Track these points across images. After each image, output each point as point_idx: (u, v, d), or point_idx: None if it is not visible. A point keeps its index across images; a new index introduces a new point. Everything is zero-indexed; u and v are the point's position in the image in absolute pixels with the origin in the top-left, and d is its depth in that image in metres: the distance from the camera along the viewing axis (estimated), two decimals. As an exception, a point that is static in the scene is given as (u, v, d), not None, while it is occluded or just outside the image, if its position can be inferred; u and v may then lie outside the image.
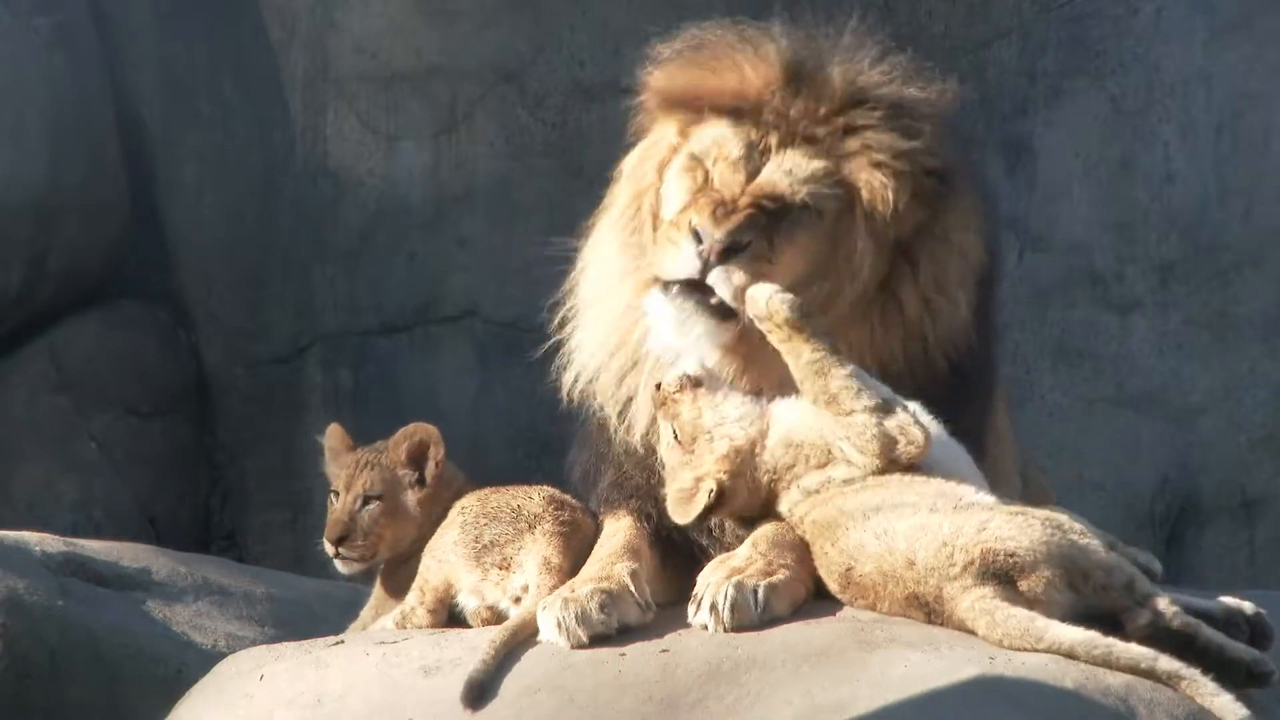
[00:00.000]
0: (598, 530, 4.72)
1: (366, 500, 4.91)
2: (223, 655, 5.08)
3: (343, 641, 4.59)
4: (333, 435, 5.06)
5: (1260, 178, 9.22)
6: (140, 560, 6.35)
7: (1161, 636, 4.08)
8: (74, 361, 10.08)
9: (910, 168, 4.46)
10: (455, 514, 4.76)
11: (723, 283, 4.43)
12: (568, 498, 4.78)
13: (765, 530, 4.46)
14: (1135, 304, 9.36)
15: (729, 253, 4.43)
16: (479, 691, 4.21)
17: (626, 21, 9.95)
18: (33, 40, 9.85)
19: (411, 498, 4.91)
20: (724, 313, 4.47)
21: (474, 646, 4.33)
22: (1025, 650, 4.07)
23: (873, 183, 4.46)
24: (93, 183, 10.06)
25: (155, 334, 10.34)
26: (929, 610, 4.19)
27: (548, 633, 4.30)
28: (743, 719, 4.06)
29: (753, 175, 4.48)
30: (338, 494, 4.97)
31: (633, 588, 4.39)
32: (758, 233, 4.43)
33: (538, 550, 4.56)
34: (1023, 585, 4.10)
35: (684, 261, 4.46)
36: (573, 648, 4.29)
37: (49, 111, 9.85)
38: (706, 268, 4.44)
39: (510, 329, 10.06)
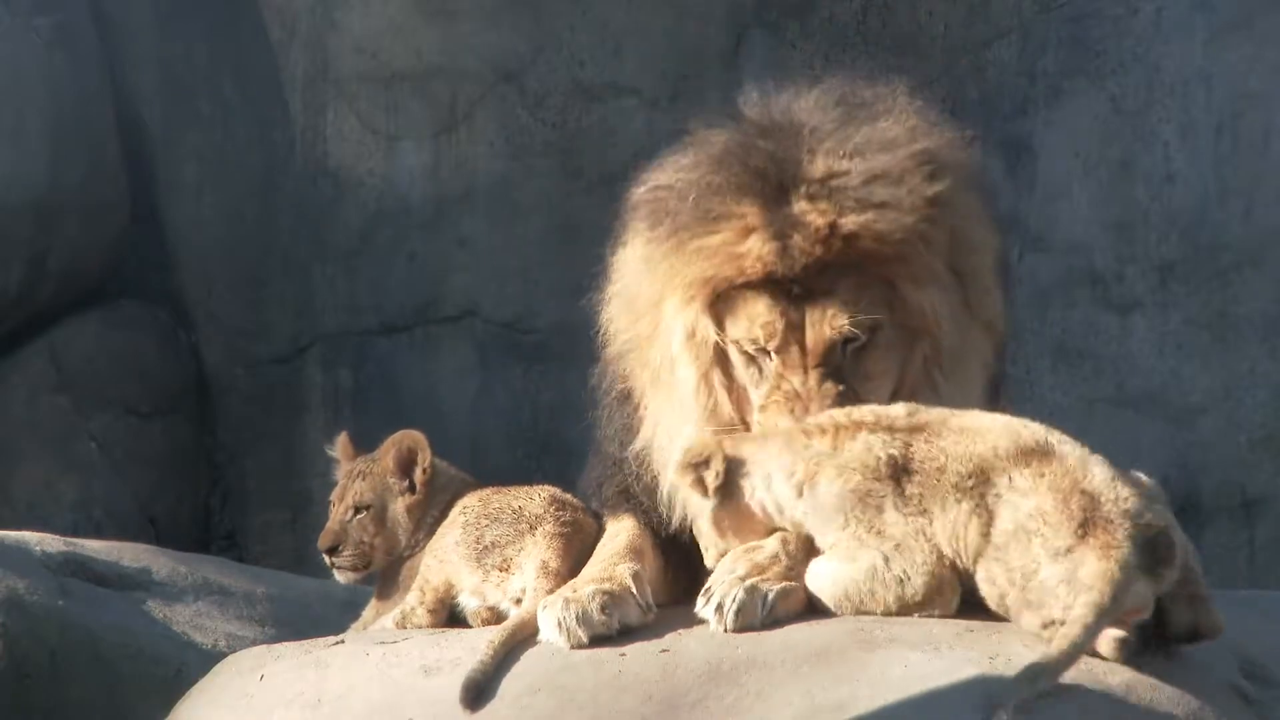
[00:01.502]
0: (600, 531, 4.72)
1: (358, 510, 4.93)
2: (223, 655, 5.08)
3: (343, 641, 4.59)
4: (340, 446, 5.08)
5: (1260, 178, 9.22)
6: (140, 560, 6.36)
7: None
8: (74, 361, 10.08)
9: (917, 219, 4.49)
10: (457, 514, 4.77)
11: None
12: (570, 498, 4.78)
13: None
14: (1135, 304, 9.36)
15: None
16: (476, 691, 4.21)
17: (626, 21, 9.96)
18: (33, 40, 9.86)
19: (401, 505, 4.92)
20: None
21: (474, 647, 4.33)
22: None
23: (901, 260, 4.52)
24: (93, 183, 10.07)
25: (155, 334, 10.34)
26: None
27: (548, 632, 4.31)
28: (743, 719, 4.06)
29: (800, 342, 4.53)
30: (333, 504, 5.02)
31: (634, 589, 4.40)
32: (836, 397, 4.50)
33: (537, 553, 4.56)
34: None
35: None
36: (572, 648, 4.29)
37: (49, 111, 9.86)
38: None
39: (510, 329, 10.06)
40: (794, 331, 4.54)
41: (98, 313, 10.21)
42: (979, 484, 4.24)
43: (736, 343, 4.60)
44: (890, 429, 4.35)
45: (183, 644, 5.99)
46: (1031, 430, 4.35)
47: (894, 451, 4.31)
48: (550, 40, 10.00)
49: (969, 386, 4.59)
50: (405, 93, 10.14)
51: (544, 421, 9.91)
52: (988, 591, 4.21)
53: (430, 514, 4.89)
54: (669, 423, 4.69)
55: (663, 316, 4.66)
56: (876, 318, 4.52)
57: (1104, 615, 4.06)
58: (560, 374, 9.51)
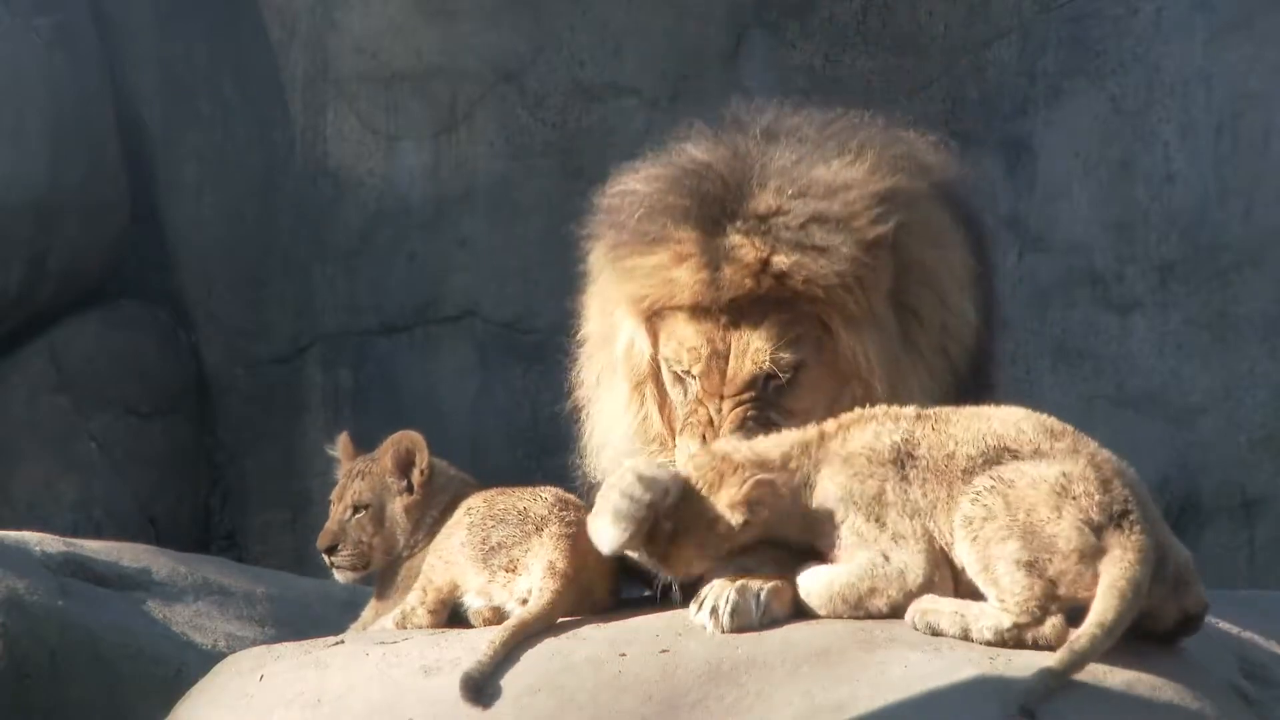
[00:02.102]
0: None
1: (356, 510, 4.93)
2: (223, 655, 5.08)
3: (343, 641, 4.59)
4: (341, 445, 5.09)
5: (1260, 178, 9.22)
6: (140, 560, 6.36)
7: None
8: (74, 361, 10.08)
9: (855, 265, 4.52)
10: (462, 515, 4.77)
11: None
12: (574, 499, 4.79)
13: None
14: (1135, 304, 9.36)
15: None
16: (474, 687, 4.21)
17: (626, 21, 9.96)
18: (33, 40, 9.86)
19: (399, 505, 4.92)
20: None
21: (474, 647, 4.34)
22: None
23: (833, 302, 4.56)
24: (93, 183, 10.07)
25: (155, 334, 10.34)
26: None
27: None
28: (743, 719, 4.06)
29: (723, 370, 4.58)
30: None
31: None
32: (745, 429, 4.53)
33: (544, 554, 4.56)
34: None
35: None
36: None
37: (49, 111, 9.86)
38: None
39: (510, 329, 10.06)
40: (718, 359, 4.60)
41: (98, 313, 10.21)
42: (991, 462, 4.24)
43: (666, 361, 4.67)
44: (896, 418, 4.36)
45: (183, 644, 5.98)
46: (1055, 420, 4.35)
47: (898, 438, 4.32)
48: (550, 40, 10.00)
49: None
50: (405, 93, 10.14)
51: (544, 421, 9.90)
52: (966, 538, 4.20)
53: (429, 515, 4.89)
54: (603, 427, 4.80)
55: (615, 322, 4.72)
56: (800, 357, 4.56)
57: (1126, 618, 4.06)
58: (560, 374, 9.50)
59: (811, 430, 4.42)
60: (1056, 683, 3.98)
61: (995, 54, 9.60)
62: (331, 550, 4.94)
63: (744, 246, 4.54)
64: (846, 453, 4.34)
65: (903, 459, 4.31)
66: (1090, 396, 9.30)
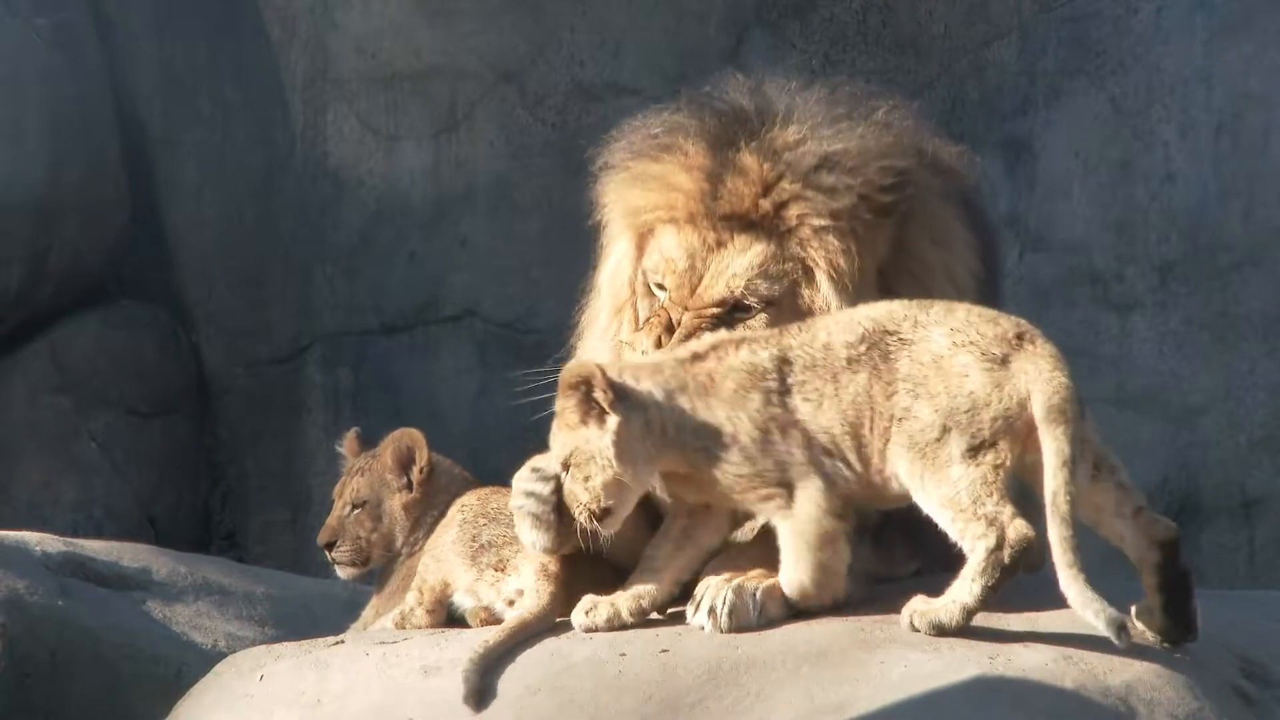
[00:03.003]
0: None
1: (355, 505, 4.95)
2: (223, 655, 5.08)
3: (343, 641, 4.59)
4: (348, 443, 5.11)
5: (1260, 178, 9.22)
6: (140, 560, 6.35)
7: None
8: (74, 361, 10.08)
9: (854, 219, 4.51)
10: (455, 513, 4.78)
11: None
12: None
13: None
14: (1135, 304, 9.36)
15: None
16: (471, 689, 4.22)
17: (626, 21, 9.96)
18: (33, 40, 9.86)
19: (397, 502, 4.94)
20: None
21: (473, 647, 4.34)
22: None
23: (824, 248, 4.52)
24: (93, 183, 10.07)
25: (155, 334, 10.34)
26: None
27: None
28: (743, 719, 4.06)
29: (695, 286, 4.55)
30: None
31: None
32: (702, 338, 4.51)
33: (536, 556, 4.56)
34: None
35: None
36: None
37: (49, 111, 9.86)
38: None
39: (510, 329, 10.06)
40: (693, 275, 4.58)
41: (98, 313, 10.21)
42: (873, 347, 4.26)
43: (645, 273, 4.66)
44: (765, 340, 4.36)
45: (183, 644, 5.98)
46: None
47: (774, 350, 4.33)
48: (550, 40, 10.00)
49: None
50: (405, 93, 10.14)
51: (544, 421, 9.90)
52: (900, 443, 4.21)
53: (430, 514, 4.89)
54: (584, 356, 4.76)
55: (606, 249, 4.73)
56: (774, 294, 4.55)
57: (1079, 419, 4.11)
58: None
59: (683, 351, 4.41)
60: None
61: (995, 54, 9.60)
62: (330, 546, 4.96)
63: (751, 165, 4.55)
64: (726, 369, 4.34)
65: (781, 368, 4.31)
66: (1090, 397, 9.27)
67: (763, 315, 4.55)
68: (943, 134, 4.91)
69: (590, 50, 9.99)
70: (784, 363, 4.31)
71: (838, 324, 4.34)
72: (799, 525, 4.28)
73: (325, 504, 5.09)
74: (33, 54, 9.85)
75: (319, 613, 6.30)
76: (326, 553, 4.99)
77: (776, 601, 4.33)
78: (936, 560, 4.44)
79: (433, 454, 4.95)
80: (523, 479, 4.47)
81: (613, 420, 4.33)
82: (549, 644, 4.33)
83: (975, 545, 4.12)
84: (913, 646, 4.14)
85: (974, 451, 4.16)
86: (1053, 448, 4.12)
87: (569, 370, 4.40)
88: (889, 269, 4.61)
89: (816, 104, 4.68)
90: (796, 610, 4.33)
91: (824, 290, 4.54)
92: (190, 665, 5.69)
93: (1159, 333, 9.32)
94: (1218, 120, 9.28)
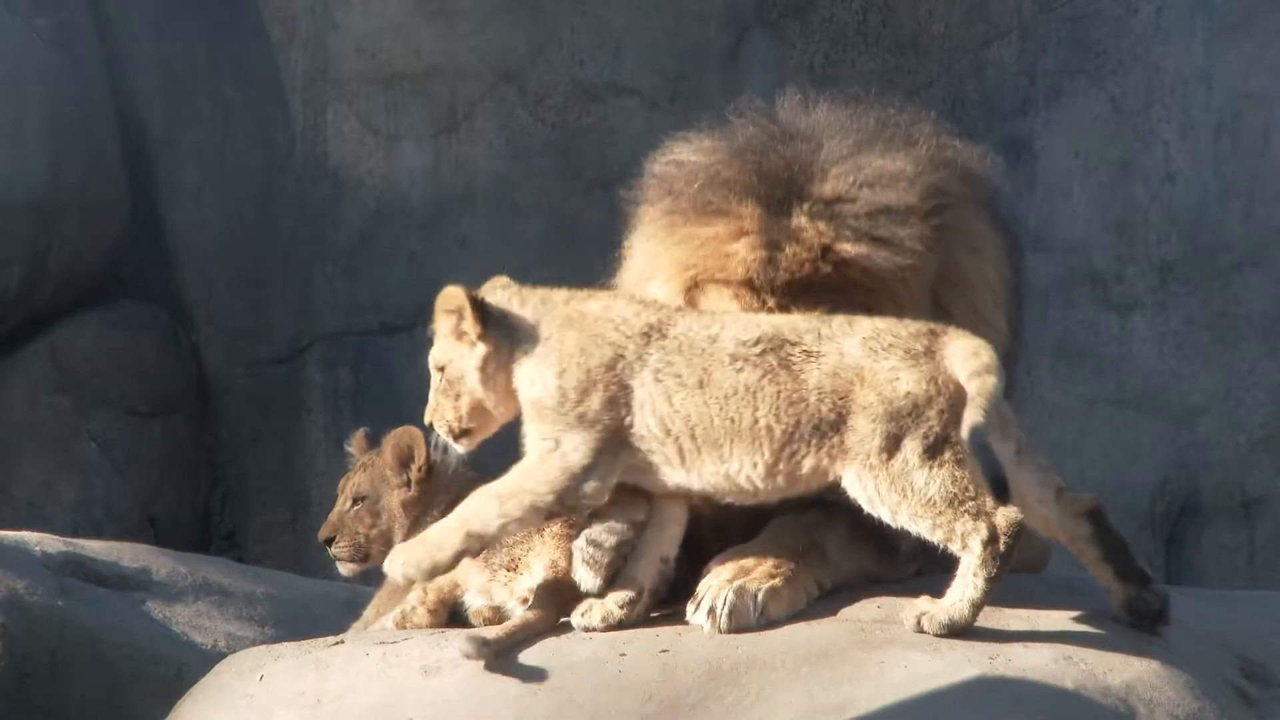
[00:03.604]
0: None
1: (355, 501, 4.96)
2: (223, 655, 5.08)
3: (343, 641, 4.59)
4: (356, 442, 5.13)
5: (1260, 178, 9.22)
6: (140, 560, 6.35)
7: None
8: (74, 361, 10.08)
9: (913, 256, 4.51)
10: (462, 513, 4.78)
11: None
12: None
13: (782, 523, 4.47)
14: (1135, 304, 9.36)
15: None
16: (482, 652, 4.24)
17: (626, 21, 9.96)
18: (33, 40, 9.86)
19: (396, 498, 4.95)
20: None
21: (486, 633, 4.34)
22: None
23: (888, 294, 4.55)
24: (93, 183, 10.07)
25: (155, 334, 10.34)
26: None
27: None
28: (743, 719, 4.06)
29: None
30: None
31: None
32: None
33: (546, 553, 4.56)
34: None
35: None
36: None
37: (49, 111, 9.86)
38: None
39: (510, 329, 10.06)
40: None
41: (98, 313, 10.21)
42: (769, 352, 4.26)
43: None
44: (656, 307, 4.42)
45: (183, 644, 5.98)
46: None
47: (653, 319, 4.37)
48: (550, 40, 10.00)
49: None
50: (405, 93, 10.14)
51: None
52: (839, 458, 4.22)
53: (431, 513, 4.89)
54: None
55: (648, 285, 4.70)
56: None
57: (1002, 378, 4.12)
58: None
59: (587, 293, 4.53)
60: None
61: (995, 54, 9.61)
62: (330, 541, 4.98)
63: (809, 230, 4.52)
64: (599, 312, 4.42)
65: (648, 338, 4.35)
66: (1090, 397, 9.30)
67: None
68: (959, 133, 4.91)
69: (590, 50, 10.00)
70: (655, 335, 4.34)
71: (737, 321, 4.36)
72: (521, 481, 4.36)
73: (325, 504, 5.11)
74: (33, 54, 9.85)
75: (319, 613, 6.31)
76: (327, 548, 5.00)
77: (780, 605, 4.33)
78: (938, 561, 4.43)
79: (432, 452, 4.96)
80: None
81: (480, 348, 4.51)
82: (549, 644, 4.33)
83: (969, 541, 4.11)
84: (913, 647, 4.14)
85: (931, 451, 4.15)
86: (975, 386, 4.11)
87: (443, 297, 4.62)
88: (938, 284, 4.62)
89: (844, 138, 4.66)
90: (795, 611, 4.33)
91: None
92: (190, 665, 5.69)
93: (1159, 333, 9.33)
94: (1218, 120, 9.29)
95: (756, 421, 4.23)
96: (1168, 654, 4.23)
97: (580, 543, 4.41)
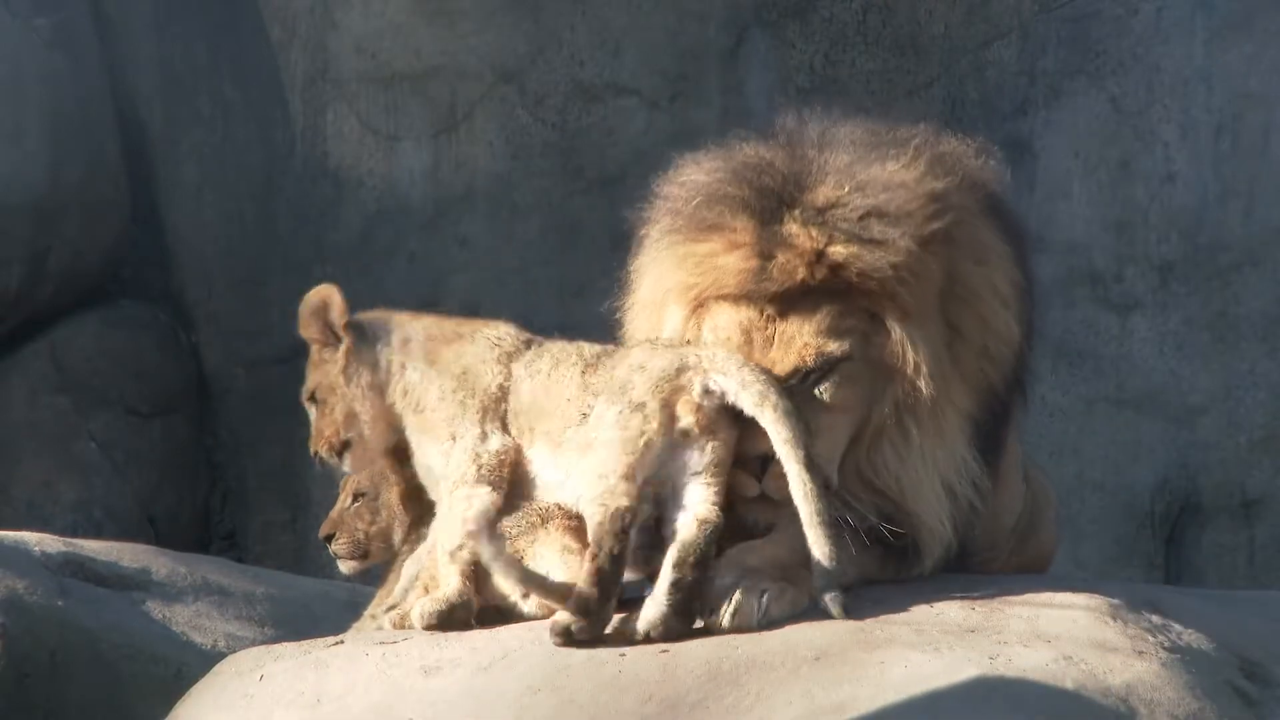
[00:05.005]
0: None
1: (355, 497, 4.97)
2: (223, 655, 5.08)
3: (343, 641, 4.59)
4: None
5: (1260, 178, 9.22)
6: (140, 560, 6.35)
7: None
8: (74, 361, 10.08)
9: (909, 258, 4.51)
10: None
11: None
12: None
13: (789, 524, 4.47)
14: (1135, 304, 9.36)
15: None
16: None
17: (626, 21, 9.96)
18: (33, 40, 9.86)
19: (395, 495, 4.95)
20: None
21: (474, 647, 4.34)
22: None
23: (887, 296, 4.53)
24: (93, 183, 10.07)
25: (155, 334, 10.34)
26: None
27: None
28: (743, 719, 4.06)
29: (751, 359, 4.57)
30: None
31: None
32: None
33: (553, 542, 4.56)
34: None
35: None
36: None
37: (49, 111, 9.86)
38: None
39: (510, 329, 10.05)
40: (750, 350, 4.59)
41: (98, 313, 10.21)
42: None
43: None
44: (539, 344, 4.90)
45: (183, 644, 5.98)
46: None
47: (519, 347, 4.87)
48: (550, 40, 10.00)
49: (946, 439, 4.58)
50: (405, 93, 10.14)
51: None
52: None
53: (431, 512, 4.89)
54: None
55: (663, 318, 4.71)
56: (846, 351, 4.54)
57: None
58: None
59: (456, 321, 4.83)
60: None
61: (995, 54, 9.60)
62: (330, 538, 4.97)
63: (800, 236, 4.53)
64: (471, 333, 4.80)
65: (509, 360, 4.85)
66: (1090, 397, 9.30)
67: (837, 374, 4.55)
68: (961, 139, 4.91)
69: (590, 50, 9.99)
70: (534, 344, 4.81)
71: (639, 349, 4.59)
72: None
73: (324, 504, 5.10)
74: (33, 54, 9.85)
75: (319, 613, 6.31)
76: (326, 545, 5.00)
77: (783, 607, 4.32)
78: (947, 565, 4.44)
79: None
80: None
81: (344, 340, 4.83)
82: (549, 644, 4.32)
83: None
84: (913, 647, 4.14)
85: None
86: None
87: (308, 298, 4.73)
88: (945, 299, 4.62)
89: (842, 152, 4.67)
90: (797, 611, 4.33)
91: (895, 333, 4.55)
92: (190, 665, 5.69)
93: (1159, 333, 9.32)
94: (1218, 120, 9.28)
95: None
96: (1168, 654, 4.23)
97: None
